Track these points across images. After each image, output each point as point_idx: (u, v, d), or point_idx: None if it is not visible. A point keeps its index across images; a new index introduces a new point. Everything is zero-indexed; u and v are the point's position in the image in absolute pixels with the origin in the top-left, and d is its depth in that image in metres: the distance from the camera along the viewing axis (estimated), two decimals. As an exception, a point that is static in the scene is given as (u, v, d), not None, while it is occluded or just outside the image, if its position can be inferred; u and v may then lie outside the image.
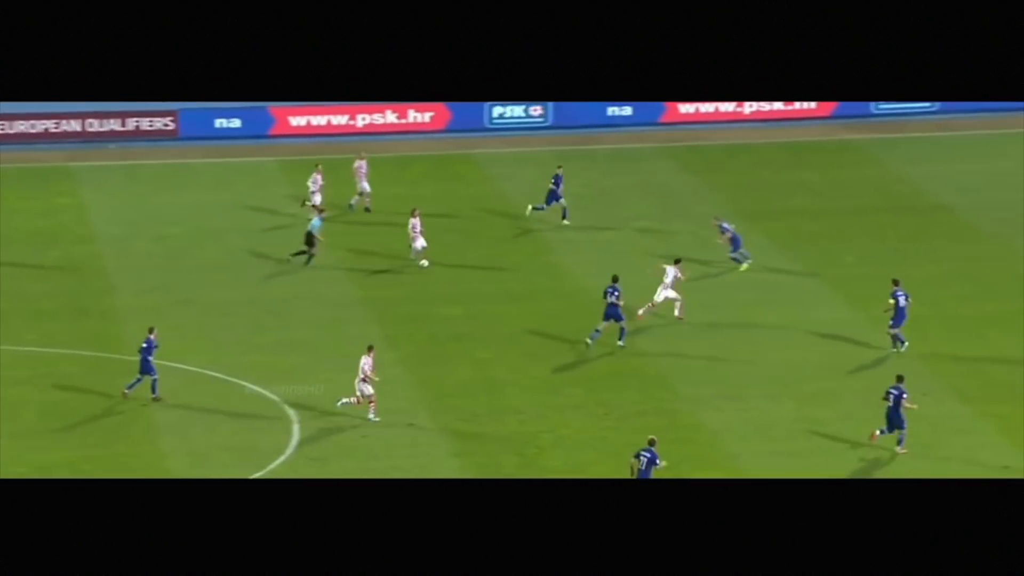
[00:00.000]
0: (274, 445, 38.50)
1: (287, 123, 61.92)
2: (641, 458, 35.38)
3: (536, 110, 62.86)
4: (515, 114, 62.91)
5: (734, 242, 48.17)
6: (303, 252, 48.92)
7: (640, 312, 44.37)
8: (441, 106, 62.59)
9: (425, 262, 48.66)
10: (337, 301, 47.02)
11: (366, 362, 39.24)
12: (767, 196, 55.61)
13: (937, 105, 63.33)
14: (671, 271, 44.65)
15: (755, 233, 51.47)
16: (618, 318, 42.83)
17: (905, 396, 37.44)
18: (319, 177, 52.43)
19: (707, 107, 63.14)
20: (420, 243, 48.74)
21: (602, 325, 42.94)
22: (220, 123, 61.54)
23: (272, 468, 37.44)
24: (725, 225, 48.58)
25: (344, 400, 39.39)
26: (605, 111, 63.02)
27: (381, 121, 62.64)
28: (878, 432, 37.75)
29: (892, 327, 42.77)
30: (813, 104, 63.32)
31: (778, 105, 63.25)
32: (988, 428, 38.61)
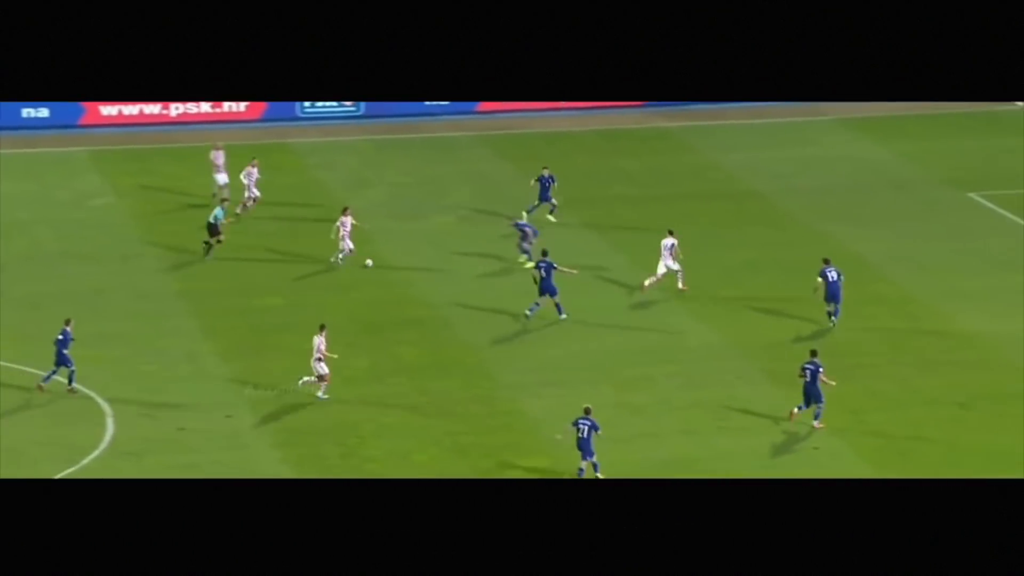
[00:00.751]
0: (89, 439, 37.94)
1: (98, 112, 60.95)
2: (579, 427, 35.98)
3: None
4: (327, 104, 62.71)
5: (532, 235, 48.06)
6: (208, 243, 48.26)
7: (645, 284, 45.48)
8: (257, 95, 62.07)
9: (369, 261, 47.63)
10: (154, 294, 46.44)
11: (319, 341, 39.43)
12: (585, 183, 56.11)
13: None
14: (668, 242, 45.54)
15: (573, 219, 51.96)
16: (552, 292, 43.66)
17: (821, 370, 38.23)
18: (254, 171, 51.69)
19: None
20: (347, 245, 47.56)
21: (541, 300, 43.76)
22: (28, 112, 60.38)
23: (86, 463, 36.88)
24: (520, 223, 48.64)
25: (304, 379, 39.59)
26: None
27: (195, 111, 61.97)
28: (796, 409, 38.44)
29: (828, 303, 43.76)
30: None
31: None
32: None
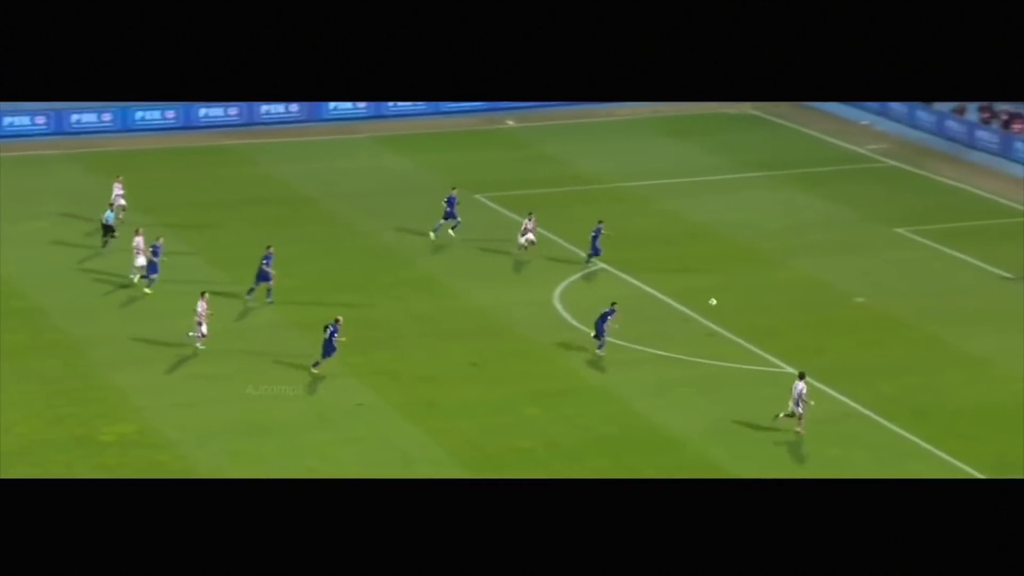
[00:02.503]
0: None
1: None
2: (327, 329, 38.57)
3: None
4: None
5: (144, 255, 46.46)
6: (106, 236, 47.46)
7: (522, 242, 48.72)
8: None
9: (147, 288, 44.49)
10: None
11: (201, 305, 39.78)
12: (162, 191, 55.31)
13: (304, 114, 65.20)
14: (529, 223, 48.68)
15: (156, 224, 51.13)
16: (267, 279, 44.20)
17: (611, 316, 40.75)
18: (119, 186, 50.04)
19: (107, 116, 62.32)
20: (141, 261, 44.71)
21: (256, 285, 44.18)
22: None
23: None
24: (154, 244, 46.48)
25: (191, 334, 40.34)
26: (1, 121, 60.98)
27: None
28: (598, 350, 40.84)
29: (590, 257, 48.04)
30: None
31: (170, 114, 63.21)
32: (359, 379, 39.98)
